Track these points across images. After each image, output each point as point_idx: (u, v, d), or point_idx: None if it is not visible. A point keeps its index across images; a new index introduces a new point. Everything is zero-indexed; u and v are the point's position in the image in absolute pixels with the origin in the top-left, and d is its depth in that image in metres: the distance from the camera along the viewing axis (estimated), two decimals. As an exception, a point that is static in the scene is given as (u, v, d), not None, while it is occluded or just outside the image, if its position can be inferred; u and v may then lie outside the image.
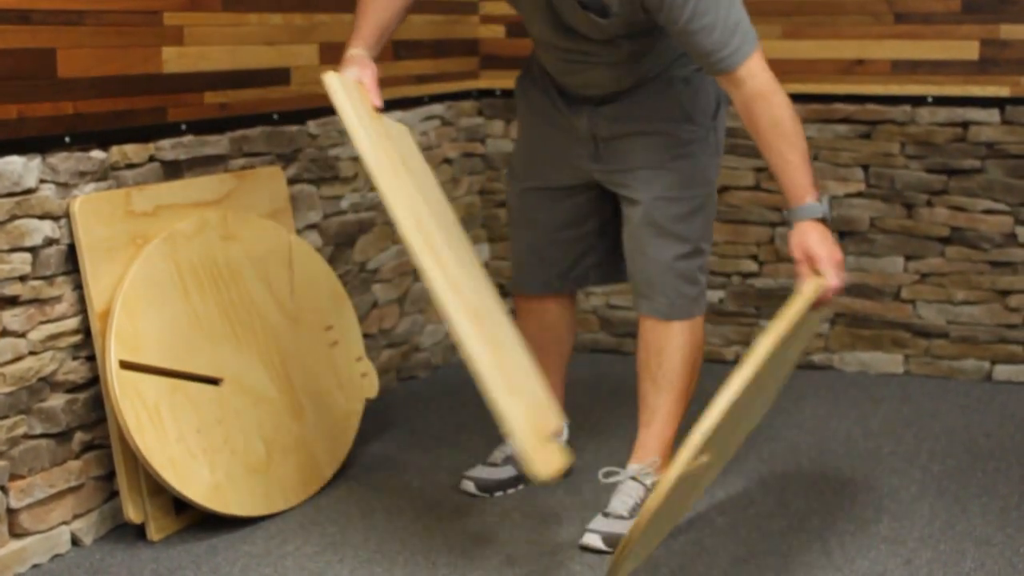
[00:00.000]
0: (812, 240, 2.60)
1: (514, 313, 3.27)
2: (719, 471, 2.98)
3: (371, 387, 3.42)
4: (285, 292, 3.23)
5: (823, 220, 2.62)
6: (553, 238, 3.13)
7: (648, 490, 3.01)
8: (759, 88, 2.65)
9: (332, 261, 3.65)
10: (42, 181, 2.76)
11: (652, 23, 2.74)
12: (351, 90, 2.62)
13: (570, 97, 3.01)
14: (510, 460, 3.23)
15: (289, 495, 3.10)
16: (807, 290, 2.54)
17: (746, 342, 4.35)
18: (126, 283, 2.84)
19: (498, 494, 3.20)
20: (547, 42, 2.92)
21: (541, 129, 3.09)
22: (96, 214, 2.84)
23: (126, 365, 2.80)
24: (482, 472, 3.23)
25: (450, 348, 4.37)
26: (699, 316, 3.02)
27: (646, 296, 3.01)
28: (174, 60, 3.09)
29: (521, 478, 3.24)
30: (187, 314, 2.95)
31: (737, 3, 2.65)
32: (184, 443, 2.87)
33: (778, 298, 4.31)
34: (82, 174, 2.85)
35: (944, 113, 4.10)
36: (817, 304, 2.57)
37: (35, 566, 2.79)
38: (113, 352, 2.78)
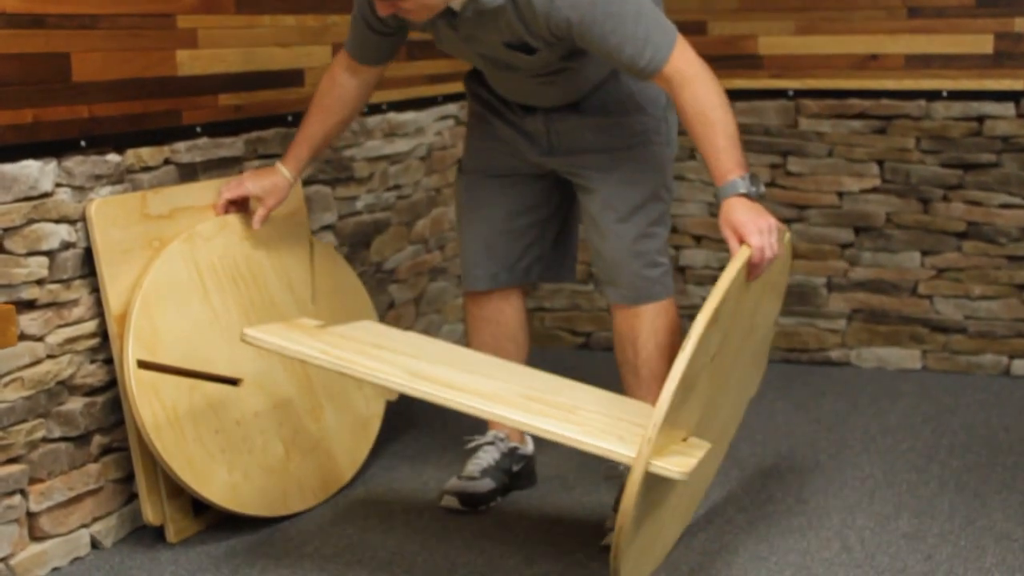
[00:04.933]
0: (734, 214, 2.63)
1: (465, 321, 3.27)
2: (718, 462, 2.99)
3: (392, 391, 3.42)
4: (306, 294, 3.23)
5: (747, 196, 2.64)
6: (503, 227, 3.15)
7: None
8: (683, 79, 2.69)
9: (348, 262, 3.65)
10: (58, 185, 2.76)
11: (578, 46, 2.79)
12: (276, 331, 2.70)
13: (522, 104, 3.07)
14: (487, 473, 3.18)
15: (307, 496, 3.10)
16: (736, 258, 2.56)
17: (763, 339, 4.35)
18: (145, 283, 2.84)
19: (482, 508, 3.14)
20: (491, 75, 3.00)
21: (492, 123, 3.12)
22: (112, 217, 2.84)
23: (144, 365, 2.80)
24: (464, 486, 3.15)
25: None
26: (668, 298, 3.04)
27: (611, 283, 3.04)
28: (188, 63, 3.09)
29: (500, 490, 3.19)
30: (207, 314, 2.95)
31: (644, 15, 2.68)
32: (202, 443, 2.87)
33: (794, 295, 4.30)
34: (98, 177, 2.85)
35: (959, 107, 4.09)
36: (752, 272, 2.58)
37: (55, 569, 2.79)
38: (131, 352, 2.78)
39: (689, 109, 2.69)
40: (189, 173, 3.11)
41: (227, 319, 3.00)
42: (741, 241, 2.60)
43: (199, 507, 2.97)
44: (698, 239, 4.37)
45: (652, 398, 2.97)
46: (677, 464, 2.41)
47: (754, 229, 2.59)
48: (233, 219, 3.09)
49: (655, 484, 2.45)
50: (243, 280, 3.07)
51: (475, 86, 3.16)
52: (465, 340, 4.31)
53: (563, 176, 3.11)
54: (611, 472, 3.09)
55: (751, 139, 4.28)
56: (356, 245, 3.74)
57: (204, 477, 2.86)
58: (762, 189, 2.68)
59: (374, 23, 2.93)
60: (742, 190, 2.64)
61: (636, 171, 2.99)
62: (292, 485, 3.07)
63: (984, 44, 4.04)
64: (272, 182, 3.07)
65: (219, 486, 2.89)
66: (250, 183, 3.07)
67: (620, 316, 3.06)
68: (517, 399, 2.62)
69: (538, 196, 3.16)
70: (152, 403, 2.79)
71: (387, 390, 3.39)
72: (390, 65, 3.13)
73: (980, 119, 4.08)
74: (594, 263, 3.10)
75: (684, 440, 2.56)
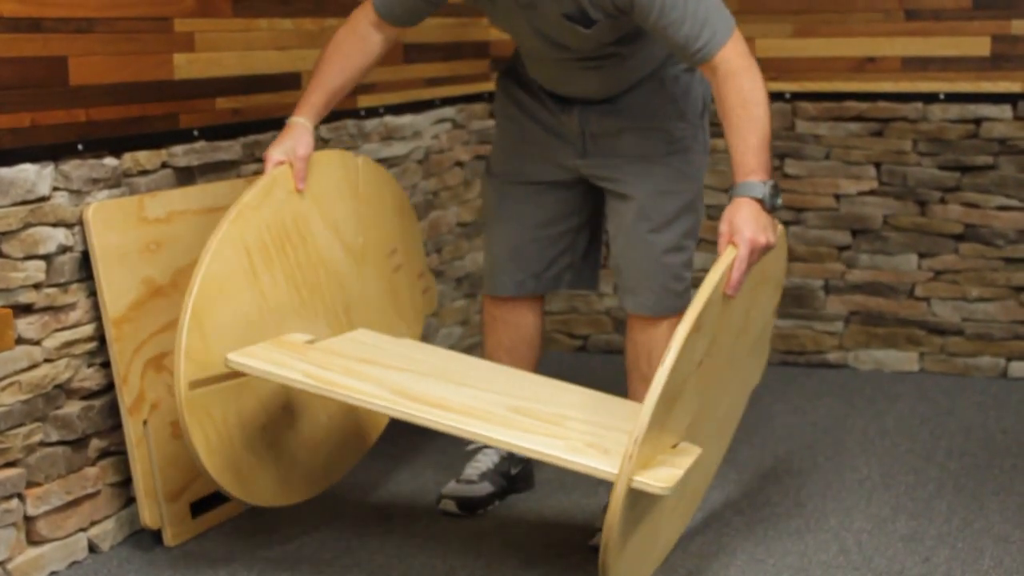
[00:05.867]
0: (740, 214, 2.58)
1: (484, 321, 3.26)
2: (718, 459, 2.99)
3: (431, 302, 3.39)
4: (351, 229, 3.11)
5: (761, 202, 2.61)
6: (533, 235, 3.13)
7: None
8: (731, 69, 2.66)
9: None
10: (55, 189, 2.76)
11: (634, 26, 2.77)
12: (262, 354, 2.69)
13: (559, 96, 3.03)
14: (486, 476, 3.18)
15: (347, 457, 3.11)
16: (720, 262, 2.54)
17: (760, 341, 4.35)
18: (194, 291, 2.68)
19: (480, 512, 3.14)
20: (537, 55, 2.96)
21: (525, 125, 3.10)
22: (109, 221, 2.83)
23: (196, 384, 2.69)
24: (461, 490, 3.15)
25: (466, 351, 4.37)
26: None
27: (633, 292, 3.02)
28: (185, 66, 3.09)
29: (498, 494, 3.19)
30: (255, 300, 2.83)
31: None
32: (251, 448, 2.81)
33: (792, 297, 4.31)
34: (95, 181, 2.85)
35: (956, 110, 4.09)
36: (727, 285, 2.53)
37: (53, 573, 2.79)
38: (183, 375, 2.65)
39: (731, 100, 2.64)
40: (186, 177, 3.11)
41: (275, 296, 2.87)
42: (732, 242, 2.57)
43: (197, 510, 2.97)
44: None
45: None
46: (661, 478, 2.40)
47: (748, 238, 2.55)
48: (280, 174, 2.92)
49: (643, 496, 2.45)
50: (290, 243, 2.93)
51: (511, 85, 3.12)
52: (480, 339, 4.31)
53: (595, 184, 3.07)
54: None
55: (748, 142, 4.28)
56: (354, 248, 3.74)
57: (252, 484, 2.82)
58: (779, 202, 2.63)
59: None
60: (758, 194, 2.60)
61: (674, 180, 2.96)
62: (335, 452, 3.06)
63: (981, 46, 4.05)
64: (293, 138, 2.90)
65: (266, 489, 2.86)
66: (275, 152, 2.88)
67: (637, 326, 3.04)
68: (504, 413, 2.63)
69: (570, 205, 3.12)
70: (204, 425, 2.70)
71: (428, 305, 3.39)
72: (386, 68, 3.13)
73: (977, 121, 4.09)
74: (616, 270, 3.06)
75: (673, 447, 2.55)
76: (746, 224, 2.56)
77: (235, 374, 2.77)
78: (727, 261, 2.53)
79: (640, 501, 2.46)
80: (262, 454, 2.86)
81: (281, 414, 2.93)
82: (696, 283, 4.31)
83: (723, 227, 2.59)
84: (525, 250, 3.13)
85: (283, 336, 2.83)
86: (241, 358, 2.65)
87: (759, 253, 2.57)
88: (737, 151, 2.64)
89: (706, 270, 4.33)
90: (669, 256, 2.98)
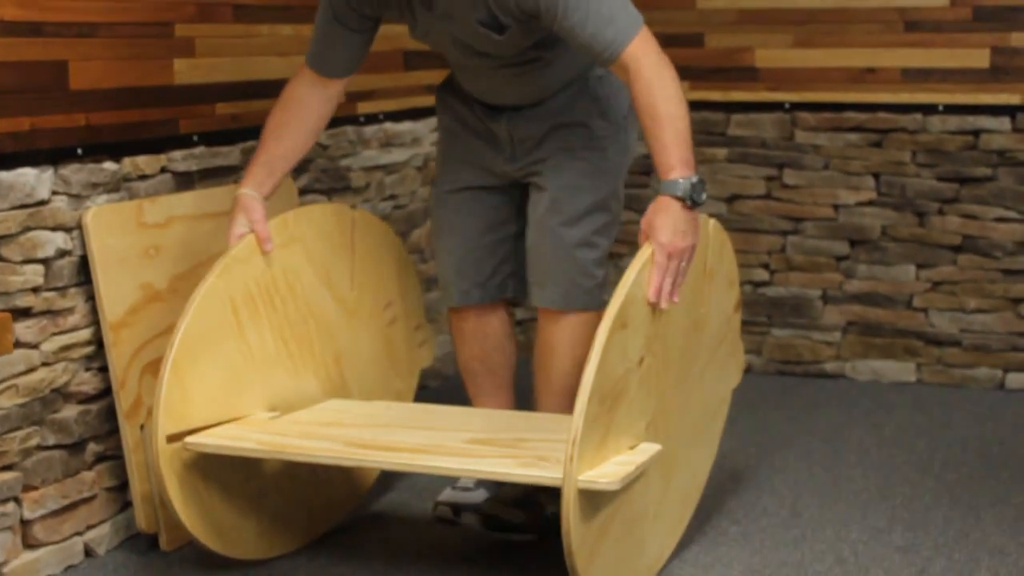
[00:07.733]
0: (659, 217, 2.61)
1: (452, 334, 3.23)
2: (708, 460, 2.99)
3: (427, 356, 3.38)
4: (345, 283, 3.11)
5: (683, 200, 2.61)
6: (475, 243, 3.10)
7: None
8: (639, 70, 2.67)
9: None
10: (54, 193, 2.77)
11: (549, 31, 2.78)
12: (220, 433, 2.70)
13: (489, 105, 3.05)
14: (482, 483, 3.14)
15: (336, 509, 3.09)
16: (636, 260, 2.55)
17: (758, 351, 4.35)
18: (176, 342, 2.66)
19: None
20: (463, 65, 2.97)
21: (461, 135, 3.10)
22: (108, 225, 2.84)
23: (173, 438, 2.66)
24: (456, 497, 3.09)
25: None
26: (594, 312, 2.96)
27: (541, 284, 2.99)
28: (185, 71, 3.10)
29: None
30: (240, 353, 2.81)
31: None
32: (232, 502, 2.79)
33: (790, 307, 4.31)
34: (94, 185, 2.85)
35: (955, 121, 4.10)
36: (653, 290, 2.56)
37: (48, 577, 2.80)
38: (161, 429, 2.62)
39: (641, 100, 2.66)
40: (186, 182, 3.11)
41: (261, 349, 2.86)
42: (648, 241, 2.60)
43: (193, 516, 2.97)
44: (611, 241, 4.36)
45: (561, 409, 2.96)
46: (608, 475, 2.41)
47: (663, 244, 2.58)
48: (271, 226, 2.88)
49: (601, 498, 2.45)
50: (279, 295, 2.92)
51: (448, 97, 3.13)
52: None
53: (523, 181, 3.07)
54: None
55: (747, 151, 4.29)
56: (352, 254, 3.74)
57: (232, 538, 2.80)
58: (702, 198, 2.63)
59: (347, 17, 2.86)
60: (679, 193, 2.61)
61: (588, 176, 2.96)
62: (321, 503, 3.04)
63: (980, 58, 4.05)
64: (244, 209, 2.85)
65: (248, 542, 2.84)
66: (235, 228, 2.84)
67: (543, 321, 3.02)
68: (461, 445, 2.65)
69: (505, 212, 3.11)
70: (182, 478, 2.67)
71: (424, 359, 3.40)
72: (386, 75, 3.12)
73: (976, 133, 4.09)
74: (528, 263, 3.04)
75: (632, 448, 2.56)
76: (663, 229, 2.59)
77: (213, 428, 2.75)
78: (645, 256, 2.56)
79: (600, 504, 2.46)
80: (243, 508, 2.83)
81: (264, 468, 2.90)
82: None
83: (644, 223, 2.63)
84: (468, 259, 3.11)
85: (250, 416, 2.82)
86: (199, 439, 2.66)
87: (679, 256, 2.60)
88: (654, 151, 2.66)
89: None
90: (580, 251, 2.96)
